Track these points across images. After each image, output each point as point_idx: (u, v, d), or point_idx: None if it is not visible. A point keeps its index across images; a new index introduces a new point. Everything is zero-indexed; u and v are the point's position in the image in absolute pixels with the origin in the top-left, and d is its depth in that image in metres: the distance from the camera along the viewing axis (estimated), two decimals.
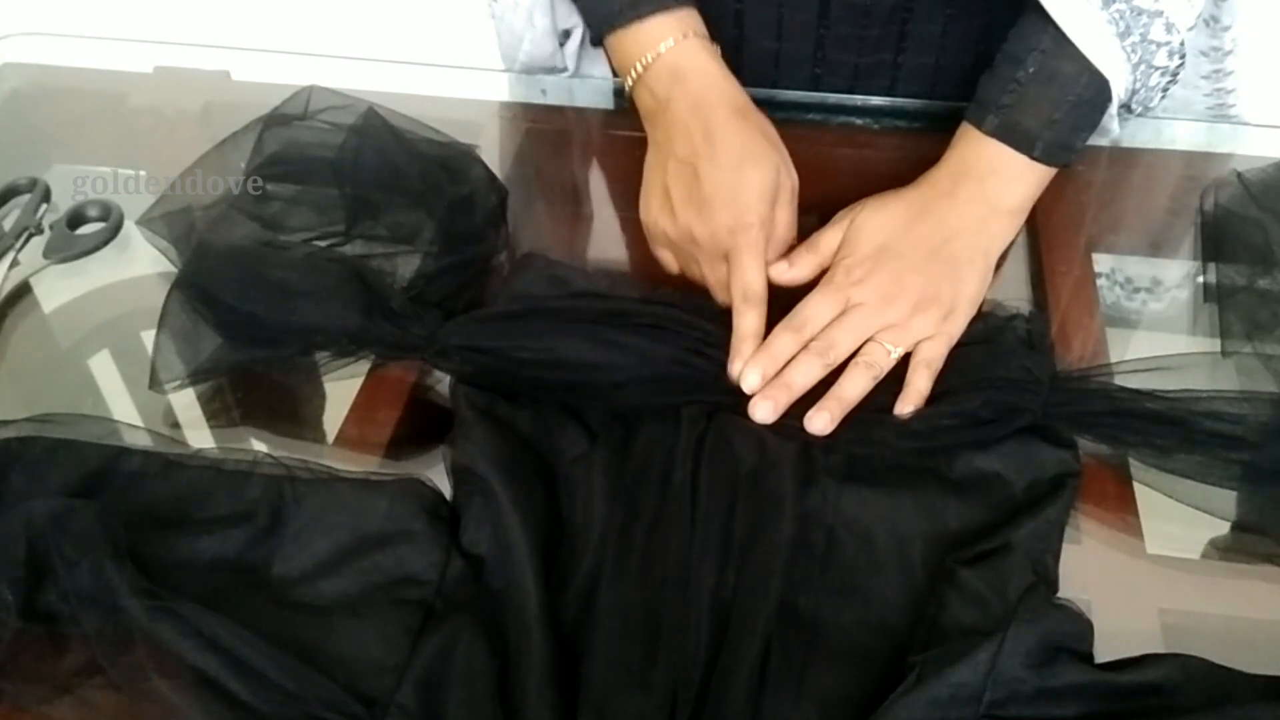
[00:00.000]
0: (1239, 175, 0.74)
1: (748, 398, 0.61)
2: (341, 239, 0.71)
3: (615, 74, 0.75)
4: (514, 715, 0.50)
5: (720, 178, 0.66)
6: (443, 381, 0.65)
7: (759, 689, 0.51)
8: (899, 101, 0.82)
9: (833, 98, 0.82)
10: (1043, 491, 0.58)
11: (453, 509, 0.58)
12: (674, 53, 0.70)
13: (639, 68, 0.70)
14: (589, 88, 0.86)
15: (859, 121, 0.82)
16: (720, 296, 0.67)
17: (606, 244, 0.78)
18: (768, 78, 0.82)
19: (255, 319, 0.65)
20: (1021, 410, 0.60)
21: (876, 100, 0.82)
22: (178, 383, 0.65)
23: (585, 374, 0.62)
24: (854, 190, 0.70)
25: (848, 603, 0.55)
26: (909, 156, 0.72)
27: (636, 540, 0.57)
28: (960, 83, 0.80)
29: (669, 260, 0.71)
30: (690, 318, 0.65)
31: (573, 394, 0.63)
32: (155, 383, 0.64)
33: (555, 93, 0.86)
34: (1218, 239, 0.72)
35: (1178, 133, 0.82)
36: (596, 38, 0.75)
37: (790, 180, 0.68)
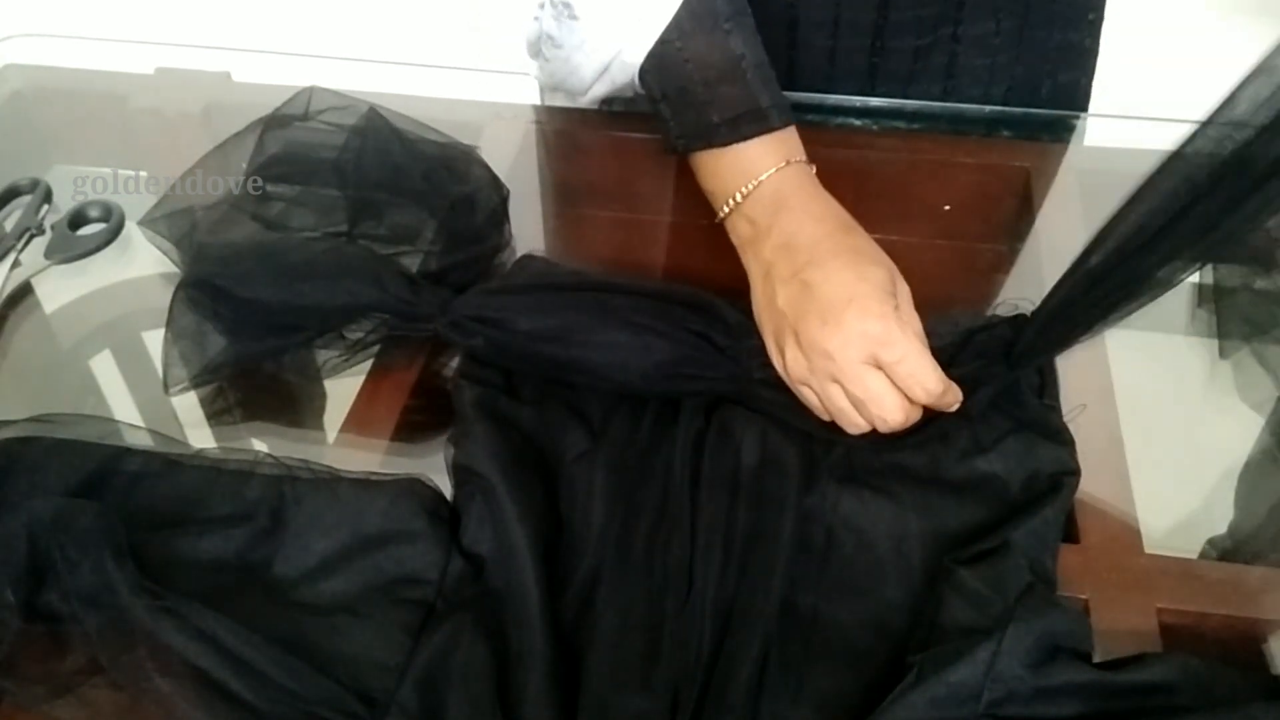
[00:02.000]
0: None
1: (751, 385, 0.61)
2: (344, 239, 0.71)
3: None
4: (514, 714, 0.50)
5: (836, 278, 0.59)
6: (444, 380, 0.65)
7: (759, 688, 0.51)
8: (897, 103, 0.82)
9: (831, 99, 0.82)
10: (1040, 490, 0.58)
11: (453, 508, 0.58)
12: (775, 180, 0.65)
13: (737, 198, 0.66)
14: None
15: (857, 123, 0.82)
16: (889, 415, 0.58)
17: (608, 244, 0.78)
18: (822, 73, 0.80)
19: (268, 306, 0.65)
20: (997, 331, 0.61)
21: (875, 101, 0.82)
22: (188, 384, 0.65)
23: (594, 352, 0.62)
24: (856, 192, 0.70)
25: (848, 602, 0.55)
26: (908, 158, 0.72)
27: (637, 539, 0.57)
28: (1016, 43, 0.79)
29: (813, 400, 0.60)
30: (701, 298, 0.64)
31: (580, 374, 0.62)
32: (168, 385, 0.64)
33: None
34: None
35: (1175, 134, 0.82)
36: (680, 148, 0.69)
37: (905, 288, 0.61)
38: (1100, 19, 0.82)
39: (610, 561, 0.56)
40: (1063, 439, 0.60)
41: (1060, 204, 0.76)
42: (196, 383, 0.65)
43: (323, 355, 0.66)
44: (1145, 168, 0.82)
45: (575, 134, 0.84)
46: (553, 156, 0.85)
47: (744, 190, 0.66)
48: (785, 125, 0.67)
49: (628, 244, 0.76)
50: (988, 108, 0.82)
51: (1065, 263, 0.72)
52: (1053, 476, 0.59)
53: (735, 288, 0.65)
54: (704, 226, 0.69)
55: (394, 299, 0.65)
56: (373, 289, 0.65)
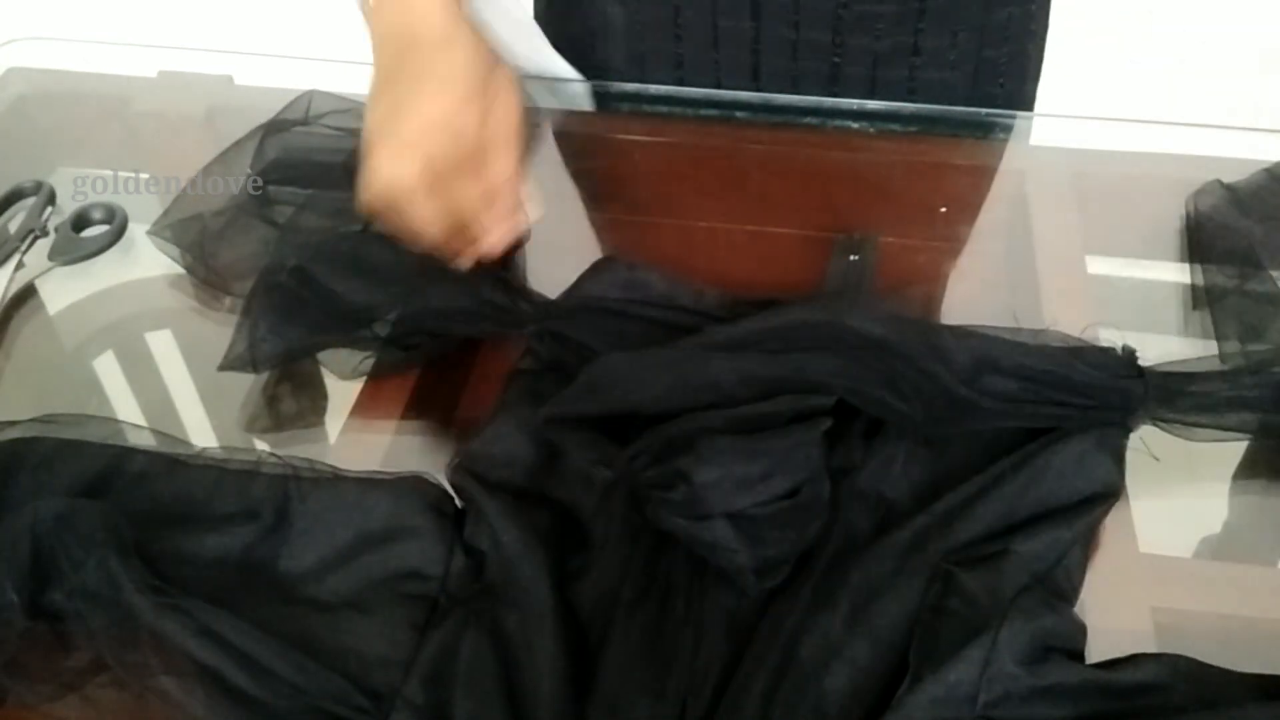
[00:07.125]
0: (1221, 184, 0.74)
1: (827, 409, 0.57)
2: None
3: None
4: (522, 711, 0.50)
5: (371, 117, 0.61)
6: (446, 380, 0.66)
7: (769, 703, 0.50)
8: (895, 105, 0.83)
9: (828, 102, 0.82)
10: (1074, 505, 0.56)
11: (456, 505, 0.58)
12: None
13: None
14: (587, 90, 0.87)
15: (855, 125, 0.83)
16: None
17: (611, 246, 0.78)
18: (787, 71, 0.80)
19: (353, 302, 0.66)
20: None
21: (872, 104, 0.83)
22: (250, 367, 0.65)
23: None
24: (851, 193, 0.70)
25: (863, 618, 0.53)
26: (905, 160, 0.72)
27: (652, 549, 0.56)
28: (974, 58, 0.80)
29: None
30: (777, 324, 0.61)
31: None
32: (229, 364, 0.65)
33: (553, 95, 0.86)
34: (1204, 244, 0.72)
35: (1168, 136, 0.83)
36: None
37: (504, 107, 0.61)
38: (1045, 29, 0.84)
39: (627, 570, 0.55)
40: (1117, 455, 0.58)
41: (1055, 205, 0.76)
42: (258, 368, 0.66)
43: (359, 354, 0.67)
44: (1143, 169, 0.83)
45: (576, 134, 0.85)
46: (553, 159, 0.85)
47: None
48: None
49: (635, 246, 0.76)
50: (984, 110, 0.83)
51: (1060, 264, 0.73)
52: (1091, 497, 0.57)
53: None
54: (712, 229, 0.69)
55: (491, 305, 0.65)
56: (469, 296, 0.65)
